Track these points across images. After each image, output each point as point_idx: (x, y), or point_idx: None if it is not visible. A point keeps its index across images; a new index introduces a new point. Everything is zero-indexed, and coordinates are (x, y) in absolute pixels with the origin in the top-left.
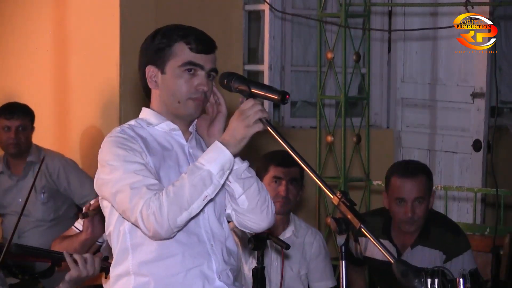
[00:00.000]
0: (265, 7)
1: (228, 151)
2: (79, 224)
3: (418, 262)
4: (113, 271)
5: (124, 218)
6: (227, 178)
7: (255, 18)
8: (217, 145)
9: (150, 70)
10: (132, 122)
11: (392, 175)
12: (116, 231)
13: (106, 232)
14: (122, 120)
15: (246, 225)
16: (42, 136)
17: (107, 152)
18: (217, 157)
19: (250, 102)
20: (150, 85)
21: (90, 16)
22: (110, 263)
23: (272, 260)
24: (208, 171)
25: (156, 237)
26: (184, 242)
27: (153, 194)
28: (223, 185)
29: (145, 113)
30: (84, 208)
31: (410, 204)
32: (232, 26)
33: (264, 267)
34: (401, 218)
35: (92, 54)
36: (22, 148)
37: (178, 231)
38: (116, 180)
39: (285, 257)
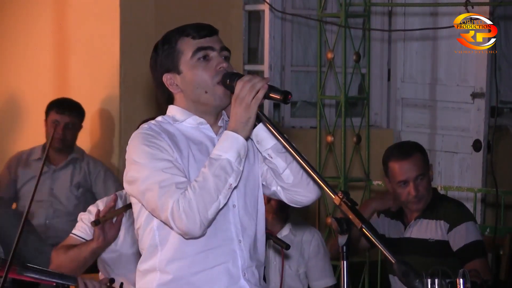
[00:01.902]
0: (265, 7)
1: (240, 136)
2: (79, 232)
3: (422, 232)
4: (141, 266)
5: (153, 216)
6: (244, 164)
7: (255, 18)
8: (228, 134)
9: (167, 78)
10: (159, 118)
11: (389, 161)
12: (144, 228)
13: (135, 228)
14: (122, 120)
15: (296, 200)
16: (42, 135)
17: (134, 150)
18: (231, 145)
19: (239, 84)
20: (173, 91)
21: (90, 16)
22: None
23: (271, 259)
24: (226, 160)
25: (189, 234)
26: (209, 240)
27: (181, 193)
28: (242, 172)
29: (171, 110)
30: (94, 216)
31: (413, 184)
32: (232, 26)
33: (264, 267)
34: (407, 198)
35: (92, 54)
36: (66, 145)
37: (208, 226)
38: (144, 178)
39: (284, 257)
